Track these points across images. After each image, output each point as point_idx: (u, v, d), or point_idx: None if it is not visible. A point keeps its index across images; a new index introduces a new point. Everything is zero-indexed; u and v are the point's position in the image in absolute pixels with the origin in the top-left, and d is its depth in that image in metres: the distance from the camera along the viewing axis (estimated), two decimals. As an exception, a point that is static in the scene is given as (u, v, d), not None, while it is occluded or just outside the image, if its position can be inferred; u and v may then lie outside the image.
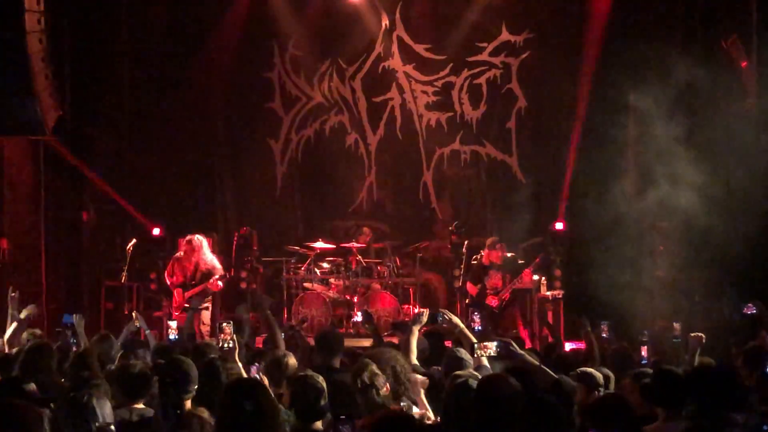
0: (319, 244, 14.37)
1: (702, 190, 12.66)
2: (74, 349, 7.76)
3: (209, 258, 12.62)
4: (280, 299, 14.55)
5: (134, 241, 13.58)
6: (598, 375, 6.35)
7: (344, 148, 16.27)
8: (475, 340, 6.97)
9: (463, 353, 6.70)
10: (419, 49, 16.03)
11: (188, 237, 12.75)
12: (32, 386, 5.42)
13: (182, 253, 12.66)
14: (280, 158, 16.33)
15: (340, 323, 13.89)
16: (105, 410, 4.89)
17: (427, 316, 7.57)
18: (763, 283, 11.79)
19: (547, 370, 6.18)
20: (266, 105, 16.32)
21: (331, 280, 14.36)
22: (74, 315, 8.23)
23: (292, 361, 6.59)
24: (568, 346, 11.55)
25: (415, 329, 7.29)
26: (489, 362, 6.52)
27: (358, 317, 11.26)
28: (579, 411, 5.59)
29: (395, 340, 9.12)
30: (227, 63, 15.89)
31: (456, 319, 7.39)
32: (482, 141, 15.99)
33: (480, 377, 5.62)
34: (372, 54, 16.11)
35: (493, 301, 12.80)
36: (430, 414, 6.00)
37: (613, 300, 12.34)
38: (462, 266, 13.79)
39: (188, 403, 5.49)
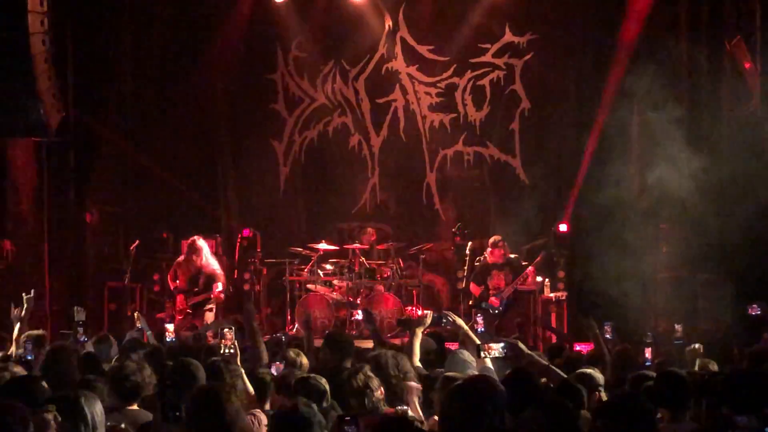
0: (323, 246, 14.35)
1: (706, 192, 12.65)
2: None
3: (211, 262, 12.63)
4: (283, 301, 14.57)
5: (137, 242, 13.58)
6: (598, 376, 6.34)
7: (347, 149, 16.26)
8: (478, 342, 6.96)
9: (466, 355, 6.69)
10: (422, 50, 16.02)
11: (190, 240, 12.75)
12: (43, 385, 5.39)
13: (183, 257, 12.67)
14: (284, 159, 16.32)
15: (344, 325, 13.88)
16: (95, 410, 4.76)
17: (430, 318, 7.55)
18: (768, 284, 11.78)
19: (556, 370, 6.17)
20: (270, 106, 16.32)
21: (335, 281, 14.34)
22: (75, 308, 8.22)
23: (305, 360, 6.60)
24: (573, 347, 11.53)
25: (419, 331, 7.28)
26: (494, 364, 6.49)
27: (359, 316, 11.22)
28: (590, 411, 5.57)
29: (397, 341, 9.13)
30: (231, 64, 15.91)
31: (460, 321, 7.37)
32: (485, 142, 15.97)
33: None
34: (375, 55, 16.10)
35: (494, 301, 12.80)
36: (423, 420, 5.98)
37: (617, 301, 12.34)
38: (465, 268, 13.78)
39: None
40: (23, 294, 8.59)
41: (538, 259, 13.20)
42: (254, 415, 5.58)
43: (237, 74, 16.06)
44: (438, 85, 16.05)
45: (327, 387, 5.45)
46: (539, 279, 13.49)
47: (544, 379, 5.75)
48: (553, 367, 6.19)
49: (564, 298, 13.60)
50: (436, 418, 5.95)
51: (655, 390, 5.77)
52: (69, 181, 14.01)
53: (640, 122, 14.02)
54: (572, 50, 15.28)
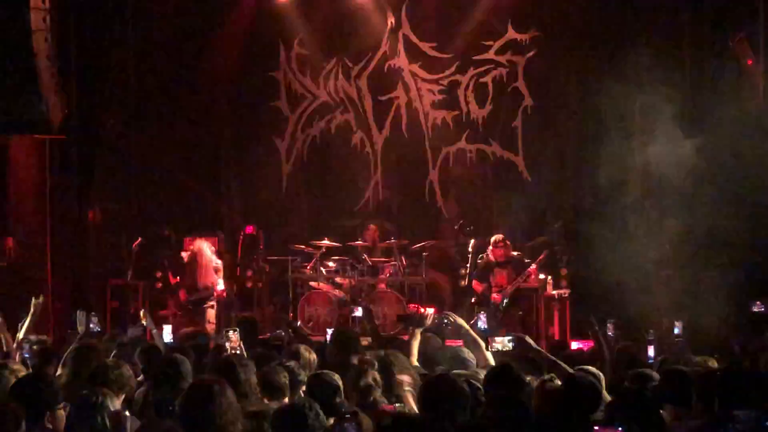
0: (325, 243, 14.35)
1: (710, 189, 12.63)
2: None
3: (213, 260, 12.61)
4: (286, 298, 14.58)
5: (140, 239, 13.58)
6: (599, 374, 6.34)
7: (350, 146, 16.26)
8: (480, 340, 6.97)
9: (466, 353, 6.69)
10: (425, 47, 16.01)
11: (191, 246, 12.75)
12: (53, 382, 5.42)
13: (186, 257, 12.70)
14: (286, 157, 16.32)
15: (347, 322, 13.88)
16: (116, 407, 4.95)
17: (431, 319, 7.55)
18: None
19: (563, 364, 6.17)
20: (272, 104, 16.32)
21: (337, 279, 14.35)
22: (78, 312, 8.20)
23: (312, 356, 6.62)
24: (575, 346, 11.51)
25: (418, 332, 7.27)
26: (498, 360, 6.50)
27: (358, 312, 11.20)
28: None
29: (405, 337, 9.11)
30: (233, 62, 15.90)
31: (461, 321, 7.38)
32: (488, 140, 15.96)
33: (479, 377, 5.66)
34: (378, 52, 16.10)
35: (497, 298, 12.81)
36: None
37: (619, 298, 12.33)
38: (468, 265, 13.78)
39: None
40: (32, 298, 8.49)
41: (541, 257, 13.20)
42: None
43: (239, 71, 16.06)
44: (440, 82, 16.05)
45: (340, 382, 5.48)
46: (542, 276, 13.49)
47: (549, 375, 5.75)
48: (561, 362, 6.20)
49: (567, 295, 13.60)
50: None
51: (659, 387, 5.79)
52: (72, 178, 14.01)
53: (642, 117, 13.99)
54: (575, 47, 15.27)
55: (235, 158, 16.19)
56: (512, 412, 4.70)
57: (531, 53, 15.65)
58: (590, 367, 6.43)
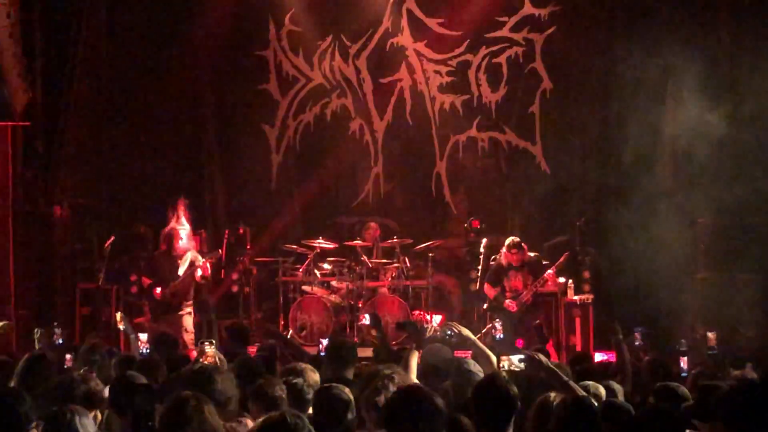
0: (320, 243, 14.36)
1: (748, 184, 12.61)
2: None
3: (191, 245, 12.59)
4: (275, 304, 14.58)
5: (113, 238, 13.55)
6: (617, 388, 6.37)
7: (348, 134, 16.28)
8: (489, 352, 6.97)
9: (472, 365, 6.69)
10: (432, 23, 16.01)
11: (167, 229, 12.72)
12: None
13: (160, 249, 12.69)
14: (276, 146, 16.34)
15: (344, 331, 13.89)
16: (88, 430, 5.05)
17: (431, 331, 7.55)
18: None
19: (576, 387, 6.16)
20: (260, 87, 16.32)
21: (333, 282, 14.35)
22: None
23: (316, 377, 6.63)
24: (598, 357, 11.51)
25: (415, 352, 7.25)
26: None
27: (366, 320, 11.22)
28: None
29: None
30: (217, 40, 15.90)
31: (466, 332, 7.35)
32: (502, 127, 15.96)
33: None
34: (379, 30, 16.11)
35: (511, 306, 12.75)
36: None
37: (648, 305, 12.32)
38: (479, 267, 13.78)
39: None
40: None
41: (561, 260, 13.12)
42: (239, 422, 5.67)
43: (224, 51, 16.08)
44: (449, 62, 16.05)
45: (351, 397, 5.49)
46: (562, 280, 13.47)
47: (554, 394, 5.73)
48: (573, 384, 6.19)
49: (589, 300, 13.58)
50: None
51: (695, 406, 5.80)
52: (36, 169, 14.01)
53: (674, 106, 13.98)
54: (598, 23, 15.24)
55: (219, 148, 16.20)
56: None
57: (550, 30, 15.65)
58: (613, 382, 6.43)
